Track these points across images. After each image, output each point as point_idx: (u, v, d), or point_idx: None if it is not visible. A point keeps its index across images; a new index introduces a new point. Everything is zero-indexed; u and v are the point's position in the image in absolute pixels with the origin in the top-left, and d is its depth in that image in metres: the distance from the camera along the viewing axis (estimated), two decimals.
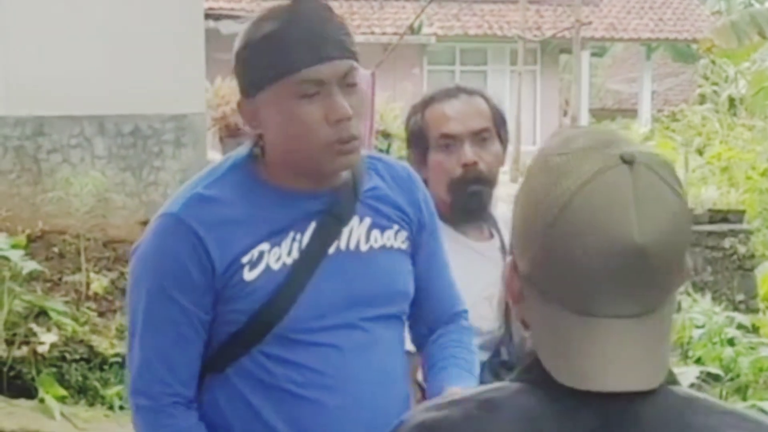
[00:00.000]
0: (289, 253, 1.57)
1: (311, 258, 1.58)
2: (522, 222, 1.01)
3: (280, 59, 1.51)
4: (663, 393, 0.98)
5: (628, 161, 0.96)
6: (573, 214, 0.96)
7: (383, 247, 1.65)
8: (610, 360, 0.96)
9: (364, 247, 1.63)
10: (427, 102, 2.10)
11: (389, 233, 1.66)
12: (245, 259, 1.55)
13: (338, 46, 1.53)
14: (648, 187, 0.95)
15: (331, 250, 1.60)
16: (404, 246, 1.69)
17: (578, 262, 0.95)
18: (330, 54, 1.52)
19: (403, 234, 1.69)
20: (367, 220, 1.64)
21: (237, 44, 1.58)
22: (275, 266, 1.56)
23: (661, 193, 0.96)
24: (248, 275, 1.55)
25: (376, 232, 1.65)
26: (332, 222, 1.60)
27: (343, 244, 1.61)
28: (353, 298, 1.61)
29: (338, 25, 1.55)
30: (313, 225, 1.59)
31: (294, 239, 1.58)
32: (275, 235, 1.57)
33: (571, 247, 0.96)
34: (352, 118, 1.53)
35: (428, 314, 1.75)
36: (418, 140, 2.10)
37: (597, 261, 0.95)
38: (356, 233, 1.63)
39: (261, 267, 1.56)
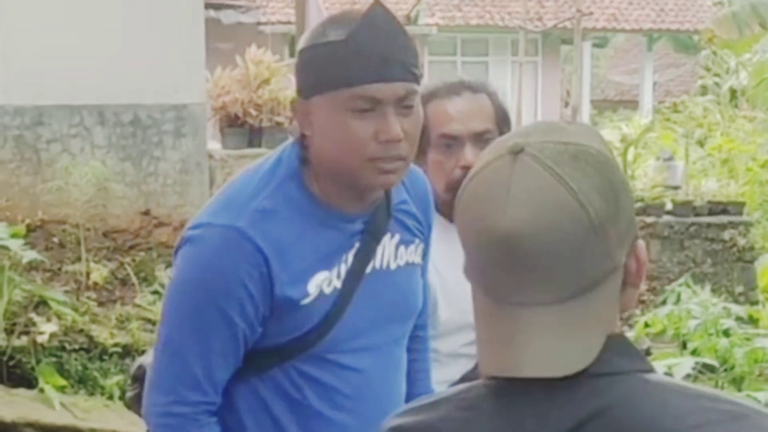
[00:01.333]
0: (339, 276, 1.59)
1: (354, 279, 1.60)
2: None
3: (340, 70, 1.48)
4: (635, 379, 0.99)
5: (514, 152, 0.97)
6: (463, 205, 1.00)
7: (407, 264, 1.68)
8: (523, 347, 0.96)
9: (393, 265, 1.66)
10: (429, 97, 2.04)
11: (411, 248, 1.70)
12: (311, 288, 1.56)
13: (401, 67, 1.51)
14: (526, 177, 0.96)
15: (368, 269, 1.62)
16: (420, 259, 1.72)
17: (472, 251, 0.99)
18: (391, 74, 1.50)
19: (421, 247, 1.72)
20: (396, 237, 1.66)
21: (302, 42, 1.56)
22: (327, 290, 1.58)
23: (540, 182, 0.96)
24: (304, 300, 1.56)
25: (402, 248, 1.67)
26: (370, 241, 1.62)
27: (377, 263, 1.63)
28: (385, 318, 1.64)
29: (405, 45, 1.52)
30: (356, 245, 1.60)
31: (342, 261, 1.59)
32: (329, 259, 1.58)
33: (465, 237, 1.00)
34: (402, 140, 1.52)
35: None
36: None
37: (480, 249, 0.97)
38: (387, 251, 1.65)
39: (316, 292, 1.57)
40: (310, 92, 1.53)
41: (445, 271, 1.96)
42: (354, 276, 1.59)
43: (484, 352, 1.00)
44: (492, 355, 0.99)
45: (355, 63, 1.48)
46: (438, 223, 2.00)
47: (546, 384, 0.97)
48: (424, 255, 1.75)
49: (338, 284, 1.58)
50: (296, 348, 1.58)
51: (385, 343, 1.65)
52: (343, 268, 1.59)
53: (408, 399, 1.73)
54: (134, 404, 1.78)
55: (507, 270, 0.96)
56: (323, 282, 1.57)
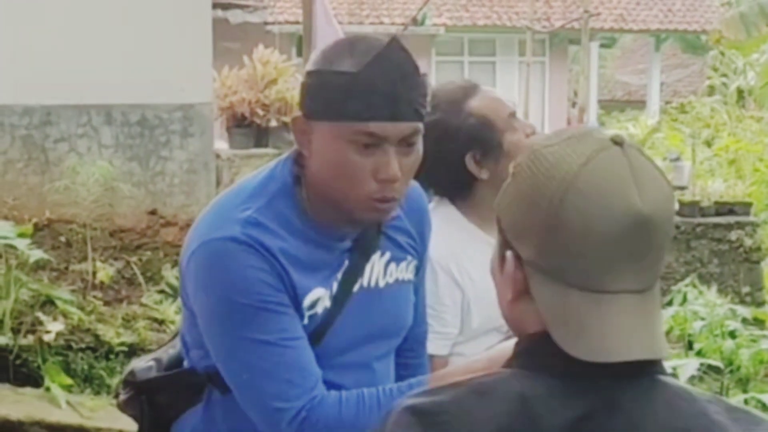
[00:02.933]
0: (330, 296, 1.57)
1: (342, 298, 1.58)
2: (522, 212, 1.05)
3: (347, 103, 1.45)
4: (652, 380, 1.02)
5: (618, 143, 1.03)
6: (578, 192, 1.01)
7: (397, 281, 1.66)
8: (625, 333, 1.01)
9: (381, 283, 1.64)
10: (468, 95, 2.00)
11: (403, 265, 1.68)
12: (305, 303, 1.53)
13: (411, 107, 1.48)
14: (641, 166, 1.03)
15: (355, 288, 1.60)
16: (412, 276, 1.71)
17: (589, 237, 1.00)
18: (400, 115, 1.47)
19: (413, 264, 1.71)
20: (387, 254, 1.65)
21: (313, 63, 1.51)
22: (320, 310, 1.56)
23: (652, 171, 1.04)
24: (305, 318, 1.54)
25: (392, 266, 1.66)
26: (359, 260, 1.60)
27: (365, 282, 1.61)
28: (371, 336, 1.63)
29: (416, 83, 1.49)
30: (345, 264, 1.59)
31: (334, 279, 1.57)
32: (324, 277, 1.56)
33: (582, 223, 1.00)
34: (399, 180, 1.49)
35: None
36: (482, 134, 1.97)
37: (607, 233, 1.00)
38: (376, 269, 1.63)
39: (311, 312, 1.55)
40: (314, 115, 1.50)
41: (478, 277, 1.95)
42: (342, 295, 1.58)
43: (579, 343, 1.01)
44: (592, 344, 1.01)
45: (364, 99, 1.45)
46: (472, 232, 2.01)
47: (562, 375, 1.01)
48: (418, 271, 1.73)
49: (328, 304, 1.56)
50: None
51: (369, 359, 1.64)
52: (334, 287, 1.57)
53: None
54: (125, 408, 1.75)
55: (629, 252, 1.01)
56: (318, 300, 1.55)
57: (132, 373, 1.74)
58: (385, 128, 1.46)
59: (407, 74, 1.48)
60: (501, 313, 1.13)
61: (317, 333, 1.55)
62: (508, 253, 1.07)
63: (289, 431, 1.47)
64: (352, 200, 1.50)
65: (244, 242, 1.47)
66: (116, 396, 1.79)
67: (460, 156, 1.96)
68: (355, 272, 1.59)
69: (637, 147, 1.04)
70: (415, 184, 1.73)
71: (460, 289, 1.97)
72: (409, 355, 1.79)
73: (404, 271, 1.69)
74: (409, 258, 1.70)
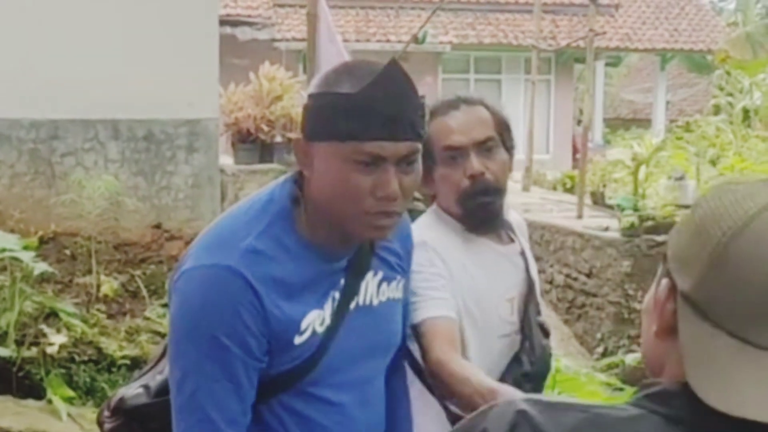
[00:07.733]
0: (331, 313, 1.60)
1: (340, 316, 1.61)
2: (691, 241, 1.01)
3: (347, 123, 1.48)
4: None
5: None
6: (750, 236, 0.97)
7: (388, 299, 1.71)
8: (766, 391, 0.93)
9: (375, 301, 1.68)
10: (430, 115, 2.08)
11: (393, 284, 1.73)
12: (302, 327, 1.56)
13: (409, 127, 1.51)
14: None
15: (352, 305, 1.63)
16: (400, 294, 1.75)
17: (749, 284, 0.95)
18: (398, 134, 1.50)
19: (401, 282, 1.76)
20: (380, 274, 1.69)
21: (314, 87, 1.56)
22: (319, 329, 1.58)
23: None
24: (297, 339, 1.56)
25: (384, 285, 1.70)
26: (355, 278, 1.64)
27: (360, 300, 1.65)
28: (366, 353, 1.66)
29: (415, 104, 1.52)
30: (341, 282, 1.62)
31: (332, 299, 1.61)
32: (319, 298, 1.59)
33: (746, 269, 0.96)
34: (398, 198, 1.53)
35: None
36: (423, 155, 2.10)
37: (766, 285, 0.95)
38: (370, 288, 1.67)
39: (308, 332, 1.57)
40: (314, 136, 1.53)
41: (476, 273, 2.06)
42: (340, 313, 1.61)
43: (715, 388, 0.96)
44: (729, 393, 0.95)
45: (363, 118, 1.48)
46: (461, 235, 2.09)
47: (692, 427, 0.96)
48: (405, 288, 1.78)
49: (328, 321, 1.59)
50: (282, 383, 1.58)
51: (365, 376, 1.67)
52: (333, 306, 1.60)
53: (390, 421, 1.76)
54: None
55: None
56: (315, 321, 1.58)
57: (122, 400, 1.73)
58: (384, 147, 1.49)
59: (406, 95, 1.51)
60: (641, 350, 1.09)
61: (320, 350, 1.58)
62: (664, 281, 1.03)
63: None
64: (352, 218, 1.53)
65: (237, 273, 1.50)
66: (99, 424, 1.76)
67: None
68: (351, 290, 1.62)
69: None
70: None
71: (446, 268, 2.01)
72: (393, 361, 1.81)
73: (395, 290, 1.73)
74: (398, 277, 1.74)
